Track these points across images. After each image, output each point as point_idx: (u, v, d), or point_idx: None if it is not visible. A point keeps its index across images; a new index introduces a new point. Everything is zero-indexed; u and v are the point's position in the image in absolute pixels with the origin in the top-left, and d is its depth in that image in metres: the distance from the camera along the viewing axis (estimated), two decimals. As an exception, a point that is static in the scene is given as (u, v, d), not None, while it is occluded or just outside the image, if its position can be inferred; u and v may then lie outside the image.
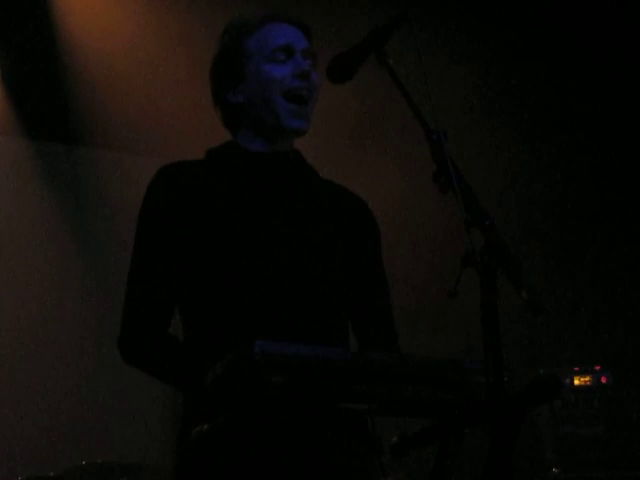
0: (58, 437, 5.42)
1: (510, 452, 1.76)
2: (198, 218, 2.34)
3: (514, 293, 1.76)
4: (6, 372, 5.41)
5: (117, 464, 4.65)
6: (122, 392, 5.55)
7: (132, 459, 4.86)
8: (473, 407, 2.01)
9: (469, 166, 2.30)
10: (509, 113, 6.10)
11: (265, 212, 2.38)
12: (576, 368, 5.38)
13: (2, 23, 5.35)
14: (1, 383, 5.38)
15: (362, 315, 2.51)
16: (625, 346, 5.67)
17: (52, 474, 4.41)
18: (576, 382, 5.34)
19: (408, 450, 2.10)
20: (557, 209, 6.22)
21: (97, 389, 5.53)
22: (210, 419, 2.14)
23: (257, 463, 2.18)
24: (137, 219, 2.39)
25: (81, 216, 5.77)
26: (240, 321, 2.28)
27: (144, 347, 2.33)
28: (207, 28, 4.49)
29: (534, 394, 1.92)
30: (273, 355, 1.85)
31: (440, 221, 5.42)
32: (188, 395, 2.31)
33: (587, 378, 5.35)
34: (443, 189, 1.94)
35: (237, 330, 2.27)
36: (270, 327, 2.26)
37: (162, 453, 5.40)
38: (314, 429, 2.22)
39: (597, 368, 5.36)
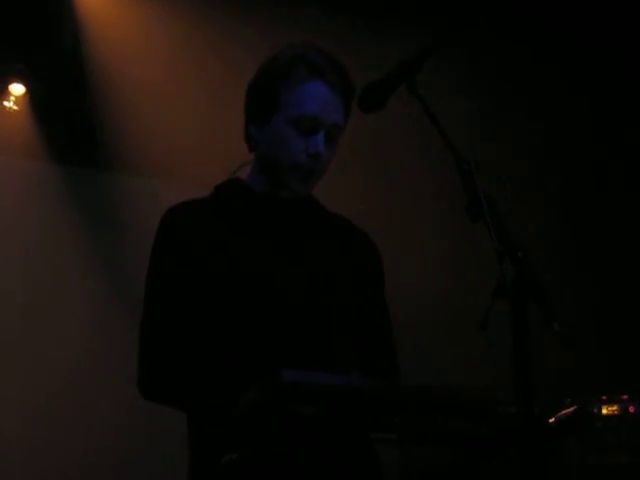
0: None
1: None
2: (205, 258, 2.36)
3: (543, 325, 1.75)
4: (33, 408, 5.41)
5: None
6: (144, 436, 5.55)
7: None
8: (503, 438, 2.00)
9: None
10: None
11: (269, 250, 2.40)
12: (603, 397, 5.32)
13: (33, 48, 5.39)
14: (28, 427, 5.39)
15: (366, 346, 2.50)
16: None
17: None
18: (603, 411, 5.29)
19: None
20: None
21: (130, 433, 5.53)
22: (234, 449, 2.13)
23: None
24: (149, 260, 2.43)
25: (111, 241, 5.77)
26: (254, 354, 2.29)
27: (165, 379, 2.34)
28: (244, 59, 4.49)
29: (566, 426, 1.91)
30: (301, 384, 1.85)
31: (468, 251, 5.40)
32: (203, 424, 2.30)
33: (614, 407, 5.30)
34: (474, 219, 1.94)
35: (252, 364, 2.27)
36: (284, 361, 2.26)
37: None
38: (341, 457, 2.21)
39: (624, 397, 5.31)
